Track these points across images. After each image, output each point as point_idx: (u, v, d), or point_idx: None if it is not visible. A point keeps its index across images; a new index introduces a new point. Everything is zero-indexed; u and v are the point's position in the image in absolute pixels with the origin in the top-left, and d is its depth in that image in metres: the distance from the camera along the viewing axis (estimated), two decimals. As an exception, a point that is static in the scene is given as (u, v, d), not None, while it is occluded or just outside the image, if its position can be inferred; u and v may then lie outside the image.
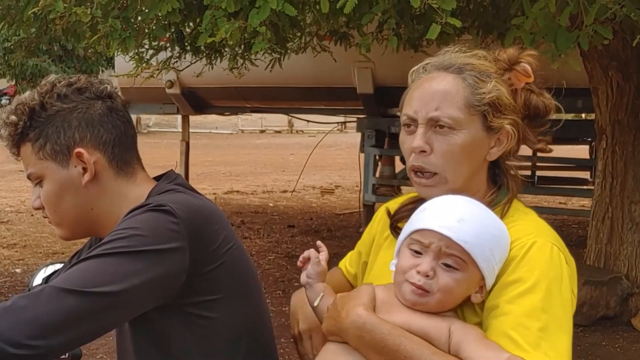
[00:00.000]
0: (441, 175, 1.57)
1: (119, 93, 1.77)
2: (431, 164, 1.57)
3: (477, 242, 1.47)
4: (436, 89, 1.58)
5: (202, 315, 1.61)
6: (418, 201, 1.63)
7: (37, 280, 1.94)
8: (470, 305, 1.52)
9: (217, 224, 1.64)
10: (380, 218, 1.81)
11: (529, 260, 1.49)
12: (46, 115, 1.67)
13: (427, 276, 1.47)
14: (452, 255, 1.47)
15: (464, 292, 1.49)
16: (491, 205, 1.58)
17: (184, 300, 1.58)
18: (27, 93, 1.71)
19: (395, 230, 1.67)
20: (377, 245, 1.78)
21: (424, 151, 1.57)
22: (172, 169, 1.82)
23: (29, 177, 1.72)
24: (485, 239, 1.48)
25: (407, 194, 1.76)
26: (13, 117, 1.68)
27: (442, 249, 1.47)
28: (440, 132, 1.56)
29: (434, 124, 1.56)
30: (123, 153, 1.71)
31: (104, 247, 1.53)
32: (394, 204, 1.76)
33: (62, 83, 1.70)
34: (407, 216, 1.59)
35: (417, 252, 1.50)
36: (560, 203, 10.83)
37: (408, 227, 1.54)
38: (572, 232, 9.14)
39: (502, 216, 1.57)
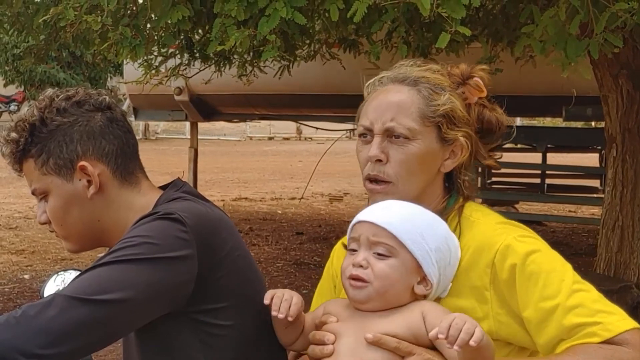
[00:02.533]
0: (395, 184, 1.60)
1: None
2: (386, 173, 1.60)
3: (402, 224, 1.50)
4: (391, 100, 1.61)
5: (210, 323, 1.61)
6: None
7: (49, 288, 1.93)
8: None
9: (224, 232, 1.65)
10: (337, 255, 1.80)
11: (526, 259, 1.53)
12: (47, 130, 1.67)
13: (361, 266, 1.50)
14: (380, 242, 1.50)
15: (403, 280, 1.51)
16: (444, 211, 1.61)
17: (192, 308, 1.58)
18: (27, 109, 1.71)
19: None
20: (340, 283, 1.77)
21: (380, 160, 1.59)
22: (178, 177, 1.82)
23: (33, 193, 1.73)
24: (412, 222, 1.51)
25: None
26: (14, 134, 1.68)
27: (369, 237, 1.51)
28: (396, 142, 1.59)
29: (390, 134, 1.59)
30: (126, 163, 1.72)
31: (113, 254, 1.53)
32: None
33: (60, 97, 1.70)
34: None
35: (353, 250, 1.54)
36: (570, 211, 10.79)
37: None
38: (581, 240, 9.11)
39: (458, 217, 1.60)
